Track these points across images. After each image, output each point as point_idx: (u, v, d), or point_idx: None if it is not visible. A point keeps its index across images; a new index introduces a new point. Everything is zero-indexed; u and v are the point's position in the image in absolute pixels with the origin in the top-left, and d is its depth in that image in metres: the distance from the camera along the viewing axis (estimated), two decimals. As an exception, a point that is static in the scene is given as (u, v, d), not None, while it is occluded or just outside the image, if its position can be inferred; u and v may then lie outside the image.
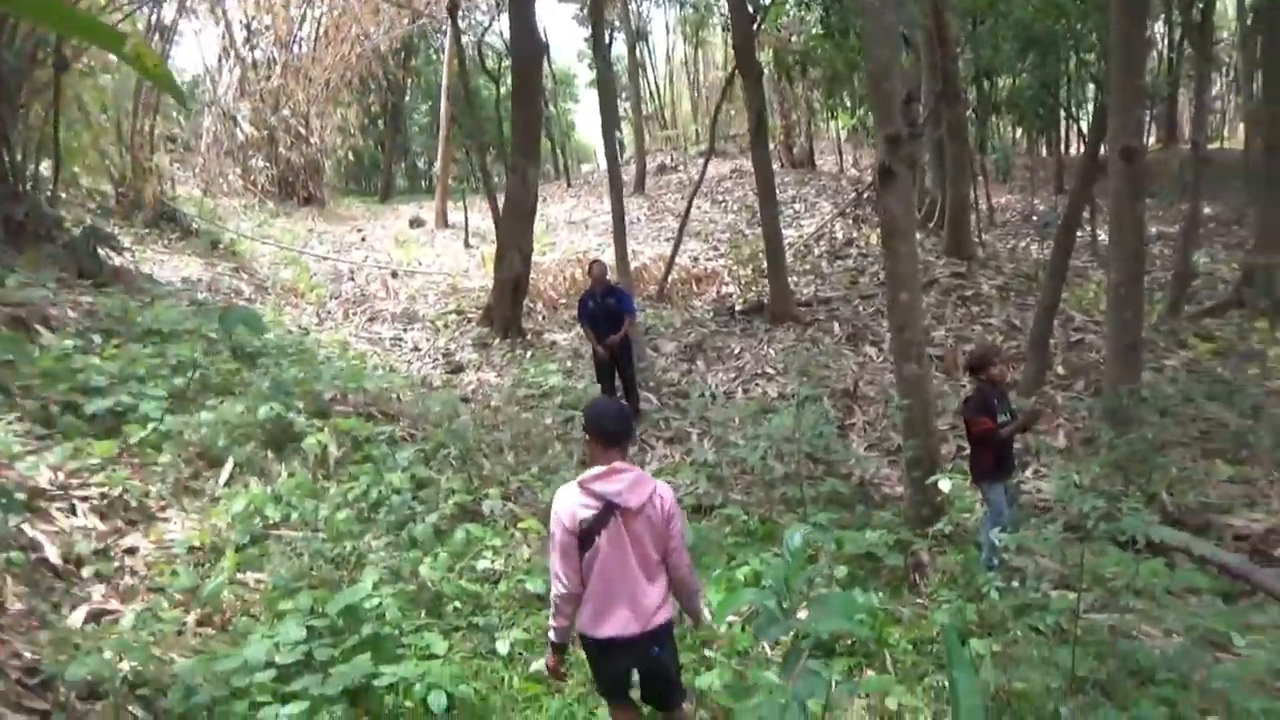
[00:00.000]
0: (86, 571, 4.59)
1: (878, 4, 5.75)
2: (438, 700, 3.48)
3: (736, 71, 13.31)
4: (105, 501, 5.37)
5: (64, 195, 13.53)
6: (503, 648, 3.99)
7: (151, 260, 13.68)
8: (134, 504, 5.45)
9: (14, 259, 9.96)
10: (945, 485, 4.54)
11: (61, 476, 5.53)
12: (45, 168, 12.27)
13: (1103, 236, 19.16)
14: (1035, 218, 22.59)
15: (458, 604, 4.39)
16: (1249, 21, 21.18)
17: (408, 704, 3.57)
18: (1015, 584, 5.24)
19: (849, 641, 4.73)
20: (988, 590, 4.55)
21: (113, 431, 6.20)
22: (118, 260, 11.98)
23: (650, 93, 34.11)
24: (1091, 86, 24.33)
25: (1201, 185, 14.53)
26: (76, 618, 4.12)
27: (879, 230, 17.45)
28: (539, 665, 3.90)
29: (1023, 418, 5.85)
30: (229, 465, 5.99)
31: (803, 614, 3.09)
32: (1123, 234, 8.46)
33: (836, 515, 6.64)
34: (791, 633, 3.60)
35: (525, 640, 4.11)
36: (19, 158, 11.06)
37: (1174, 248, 14.63)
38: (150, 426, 6.17)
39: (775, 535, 6.46)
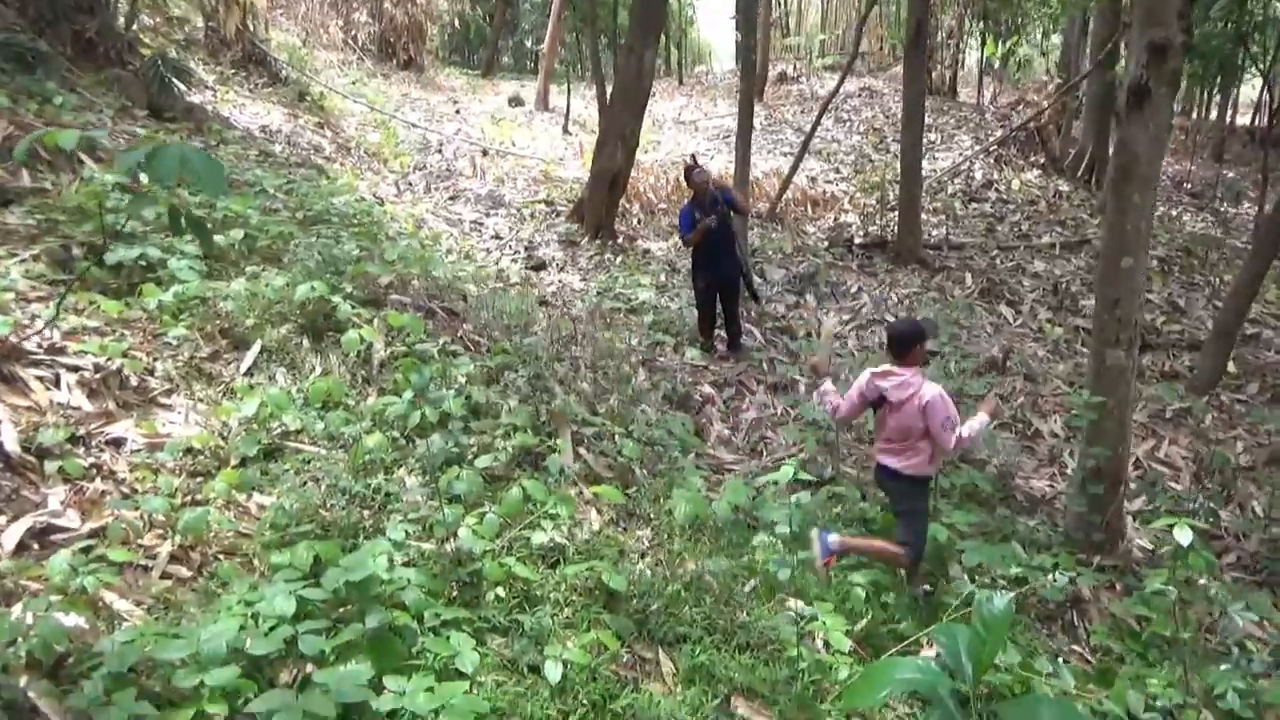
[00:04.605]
0: (50, 466, 3.62)
1: None
2: (452, 758, 2.40)
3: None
4: (99, 375, 4.39)
5: (146, 19, 12.53)
6: (553, 673, 2.88)
7: (232, 104, 12.69)
8: (133, 383, 4.47)
9: (76, 79, 9.02)
10: (1184, 537, 3.22)
11: (55, 336, 4.57)
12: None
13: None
14: (1188, 185, 20.24)
15: (501, 591, 3.30)
16: None
17: (410, 750, 2.50)
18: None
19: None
20: (1221, 687, 3.28)
21: (133, 288, 5.24)
22: (194, 97, 11.02)
23: (778, -5, 31.57)
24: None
25: None
26: (11, 535, 3.14)
27: (1023, 175, 15.61)
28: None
29: None
30: (255, 349, 4.97)
31: None
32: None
33: (976, 518, 5.39)
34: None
35: (583, 665, 2.99)
36: (95, -34, 9.97)
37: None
38: (173, 290, 5.16)
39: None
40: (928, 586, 4.70)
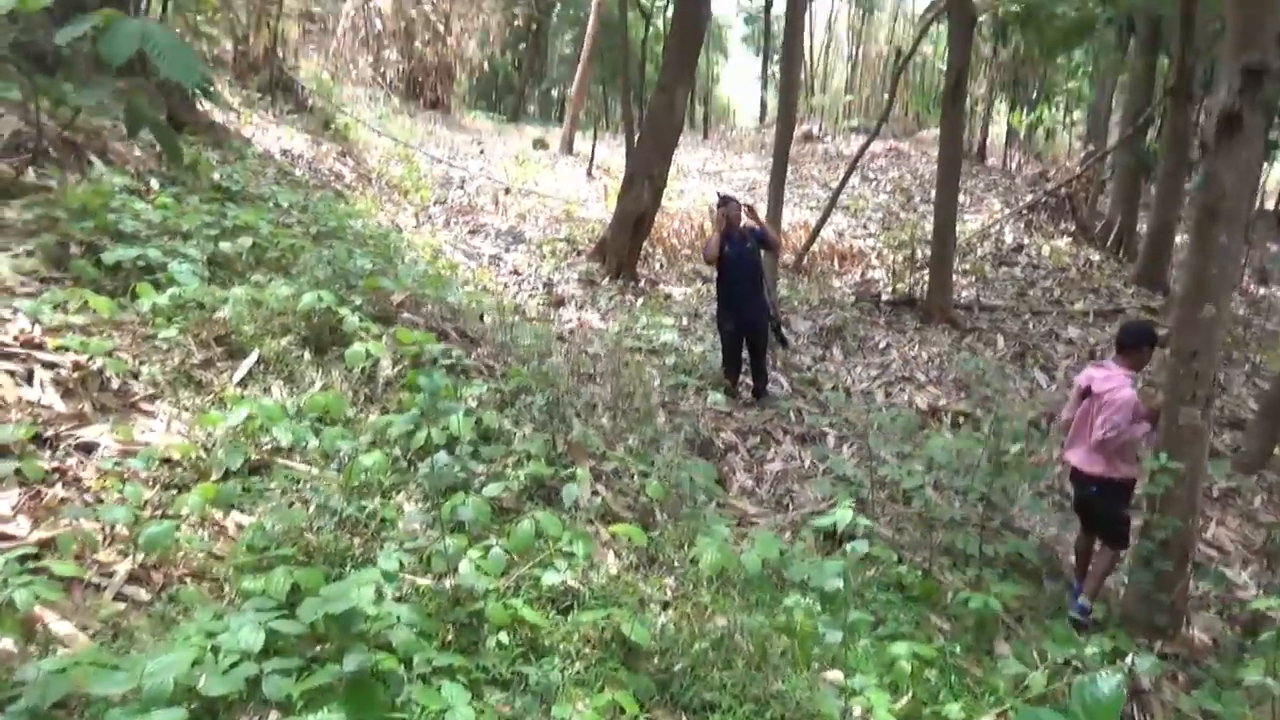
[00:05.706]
0: (4, 467, 3.21)
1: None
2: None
3: (947, 15, 11.32)
4: (77, 375, 4.01)
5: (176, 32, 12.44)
6: (561, 739, 2.43)
7: (256, 126, 12.51)
8: (114, 385, 4.09)
9: (96, 85, 8.81)
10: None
11: (36, 331, 4.21)
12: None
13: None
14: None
15: (504, 637, 2.86)
16: None
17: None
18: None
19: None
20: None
21: (129, 290, 4.88)
22: (217, 116, 10.82)
23: (806, 59, 31.86)
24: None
25: None
26: (-54, 540, 2.73)
27: (1053, 242, 15.31)
28: None
29: None
30: (251, 358, 4.59)
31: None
32: None
33: (1023, 590, 4.92)
34: None
35: (597, 730, 2.53)
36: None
37: None
38: (170, 293, 4.80)
39: (937, 597, 4.78)
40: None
